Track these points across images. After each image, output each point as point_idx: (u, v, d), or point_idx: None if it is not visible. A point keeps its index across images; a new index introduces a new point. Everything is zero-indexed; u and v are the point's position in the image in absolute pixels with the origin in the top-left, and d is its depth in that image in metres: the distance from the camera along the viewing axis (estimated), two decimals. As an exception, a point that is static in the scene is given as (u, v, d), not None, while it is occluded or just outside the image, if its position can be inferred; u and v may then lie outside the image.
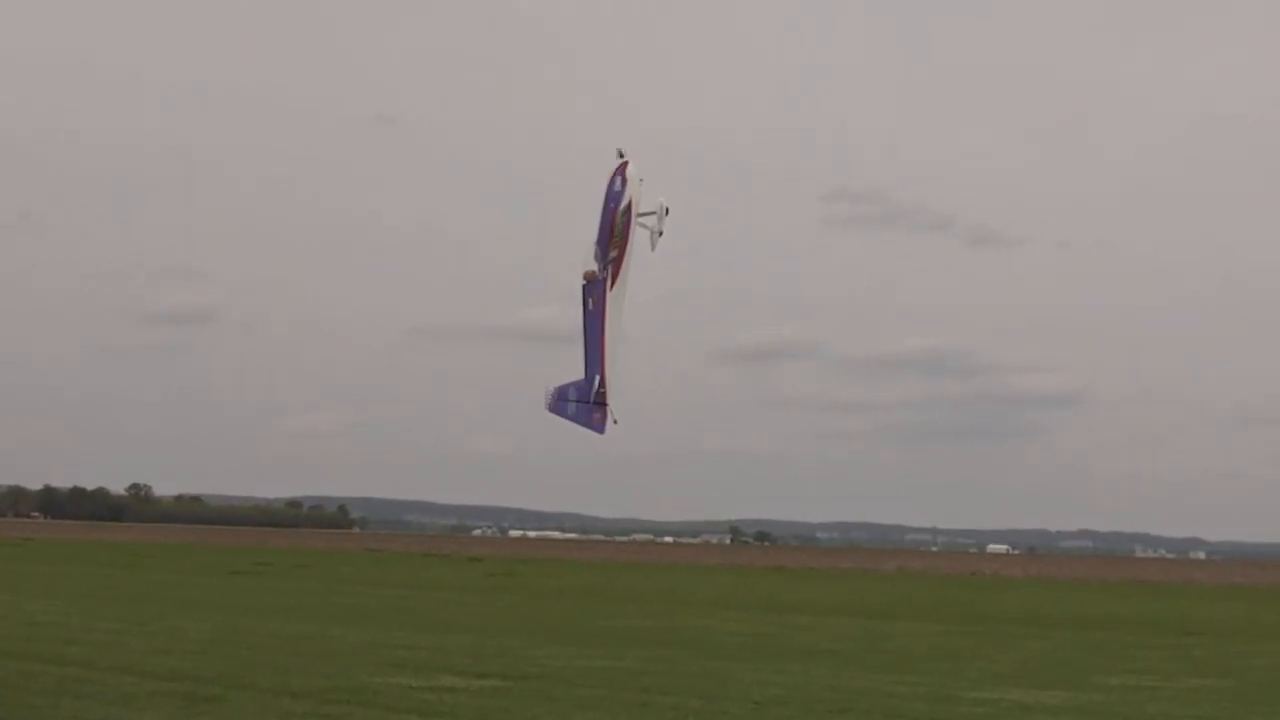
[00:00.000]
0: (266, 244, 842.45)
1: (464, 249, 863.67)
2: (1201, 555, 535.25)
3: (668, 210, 21.68)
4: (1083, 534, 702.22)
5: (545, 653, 41.03)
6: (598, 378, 21.80)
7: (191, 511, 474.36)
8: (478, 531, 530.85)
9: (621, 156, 22.15)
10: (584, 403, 21.94)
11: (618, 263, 21.68)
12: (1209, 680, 39.50)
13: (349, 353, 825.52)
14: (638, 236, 21.75)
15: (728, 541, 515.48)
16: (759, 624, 59.95)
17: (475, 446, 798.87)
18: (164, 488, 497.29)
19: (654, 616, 63.22)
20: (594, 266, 21.82)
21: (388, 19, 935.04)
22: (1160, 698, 34.06)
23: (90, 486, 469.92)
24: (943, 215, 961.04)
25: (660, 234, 21.69)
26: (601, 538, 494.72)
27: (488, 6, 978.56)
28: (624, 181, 21.75)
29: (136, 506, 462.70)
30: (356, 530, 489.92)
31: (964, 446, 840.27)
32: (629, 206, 21.68)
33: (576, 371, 22.10)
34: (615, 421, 21.77)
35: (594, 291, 21.84)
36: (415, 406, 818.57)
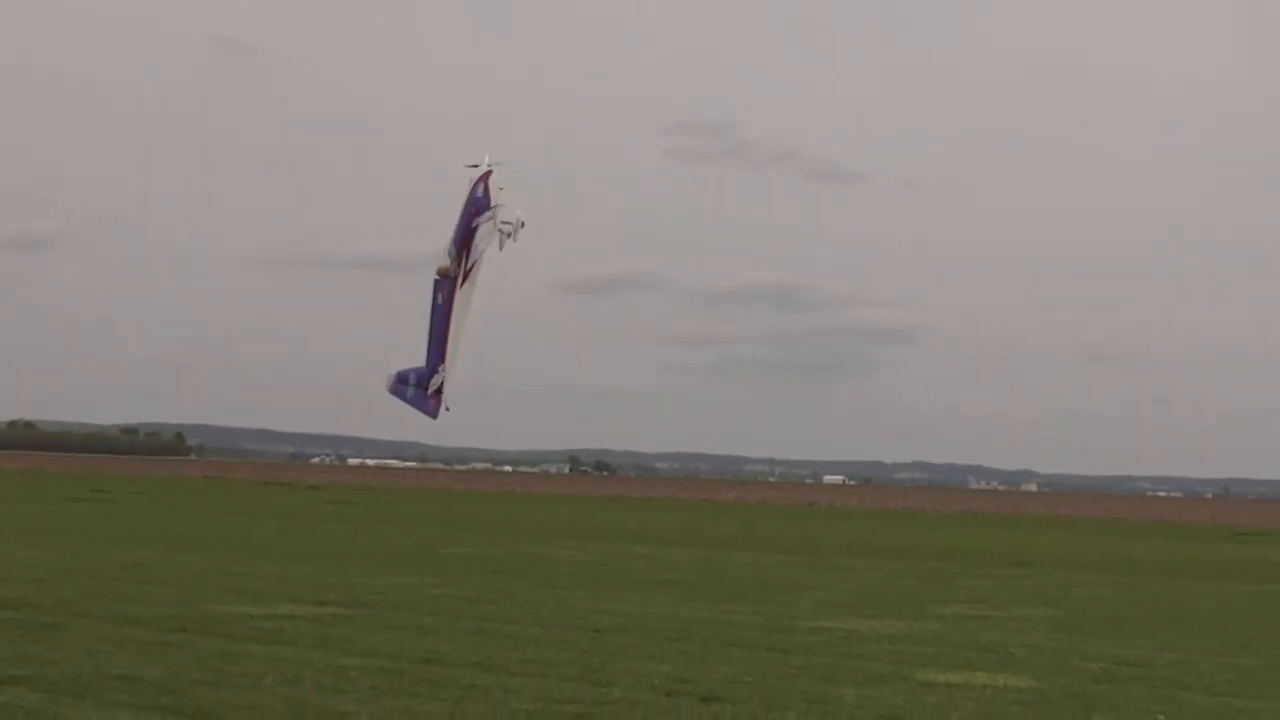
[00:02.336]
0: (107, 170, 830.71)
1: (308, 177, 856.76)
2: (1033, 487, 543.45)
3: (522, 224, 22.86)
4: (917, 465, 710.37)
5: (385, 581, 41.05)
6: (440, 368, 23.07)
7: (25, 437, 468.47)
8: (316, 460, 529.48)
9: (485, 165, 23.19)
10: (422, 389, 23.23)
11: (469, 265, 22.79)
12: (1039, 610, 40.19)
13: (188, 280, 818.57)
14: (493, 240, 22.90)
15: (567, 471, 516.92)
16: (597, 553, 60.22)
17: (314, 374, 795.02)
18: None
19: (493, 545, 63.32)
20: (448, 263, 22.84)
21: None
22: (992, 627, 34.63)
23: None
24: (785, 149, 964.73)
25: (513, 238, 22.88)
26: (441, 466, 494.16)
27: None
28: (486, 190, 22.89)
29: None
30: (194, 458, 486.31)
31: (803, 379, 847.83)
32: (486, 213, 22.83)
33: (409, 345, 23.30)
34: (448, 409, 23.13)
35: (444, 287, 22.93)
36: (254, 334, 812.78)
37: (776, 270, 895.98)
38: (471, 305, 23.03)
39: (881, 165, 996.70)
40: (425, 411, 23.26)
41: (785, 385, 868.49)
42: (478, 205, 22.92)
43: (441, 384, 23.06)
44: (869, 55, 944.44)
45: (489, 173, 23.12)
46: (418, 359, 23.18)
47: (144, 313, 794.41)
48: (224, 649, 25.71)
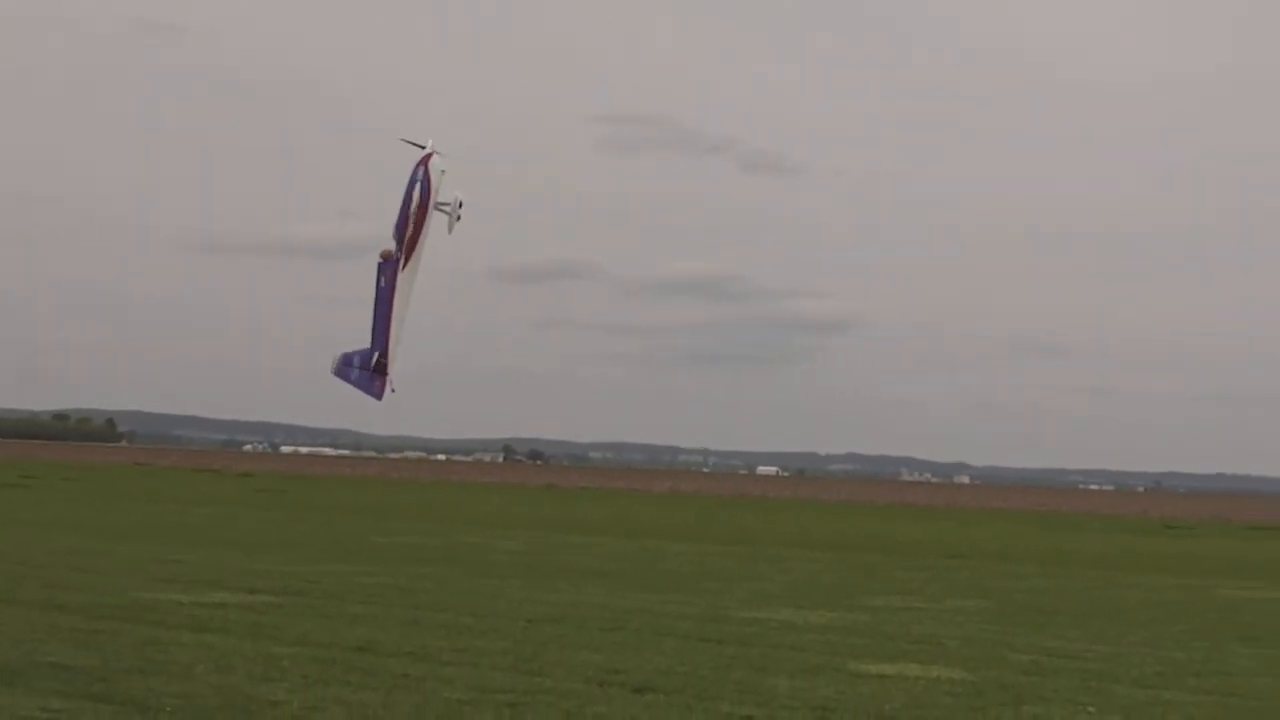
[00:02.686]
0: (37, 153, 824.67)
1: (235, 162, 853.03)
2: (966, 480, 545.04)
3: (461, 204, 23.28)
4: (851, 457, 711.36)
5: (317, 569, 40.95)
6: (381, 349, 23.49)
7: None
8: (249, 447, 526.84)
9: (426, 148, 23.53)
10: (366, 370, 23.59)
11: (411, 247, 23.19)
12: (971, 601, 40.37)
13: (120, 264, 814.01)
14: (436, 222, 23.34)
15: (501, 460, 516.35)
16: (531, 542, 60.23)
17: (246, 361, 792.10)
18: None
19: (426, 534, 63.27)
20: (391, 247, 23.29)
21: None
22: (925, 618, 34.75)
23: None
24: (721, 139, 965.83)
25: (458, 218, 23.29)
26: (374, 455, 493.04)
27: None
28: (426, 173, 23.22)
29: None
30: (125, 444, 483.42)
31: (737, 370, 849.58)
32: (428, 197, 23.21)
33: (353, 325, 23.59)
34: (394, 390, 23.51)
35: (387, 270, 23.31)
36: (186, 320, 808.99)
37: (711, 260, 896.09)
38: (414, 288, 23.35)
39: (816, 156, 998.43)
40: (370, 393, 23.58)
41: (719, 375, 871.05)
42: (420, 189, 23.20)
43: (386, 365, 23.39)
44: (804, 46, 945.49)
45: (429, 155, 23.36)
46: (356, 343, 23.41)
47: (74, 298, 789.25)
48: (156, 637, 25.59)
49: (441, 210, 23.19)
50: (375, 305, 23.39)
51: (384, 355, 23.38)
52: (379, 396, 23.49)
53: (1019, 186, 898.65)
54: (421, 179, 23.23)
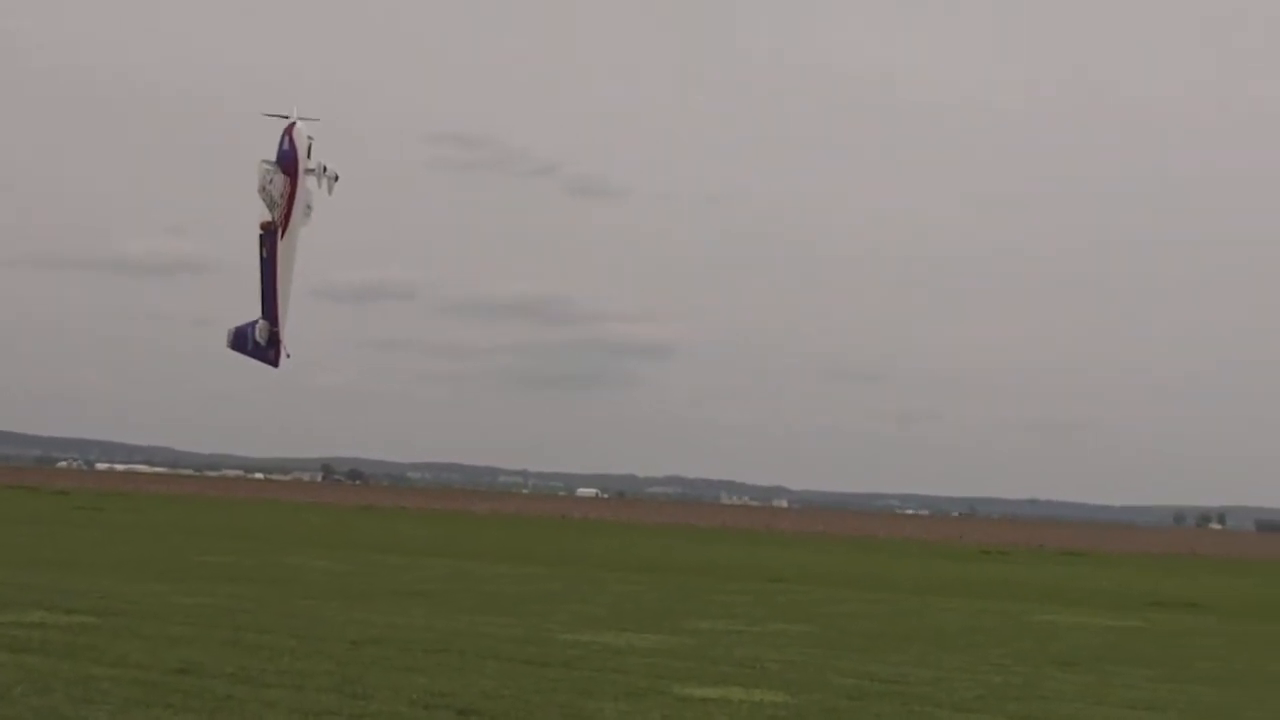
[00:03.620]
0: None
1: (47, 174, 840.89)
2: (784, 503, 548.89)
3: (337, 177, 23.86)
4: (671, 480, 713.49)
5: (136, 589, 40.44)
6: (271, 318, 24.08)
7: None
8: (64, 464, 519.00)
9: (289, 118, 23.92)
10: (258, 341, 24.16)
11: (285, 215, 23.58)
12: (794, 625, 40.66)
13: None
14: (312, 188, 23.83)
15: (320, 479, 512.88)
16: (351, 563, 59.86)
17: (60, 377, 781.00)
18: None
19: (245, 553, 62.67)
20: (270, 217, 23.71)
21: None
22: (748, 641, 34.94)
23: None
24: (547, 161, 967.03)
25: (336, 179, 23.86)
26: (191, 473, 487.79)
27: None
28: (292, 142, 23.64)
29: None
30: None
31: (558, 392, 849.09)
32: (294, 163, 23.62)
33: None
34: (289, 355, 24.15)
35: (269, 240, 23.76)
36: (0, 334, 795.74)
37: (534, 282, 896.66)
38: (296, 255, 23.89)
39: (641, 179, 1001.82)
40: (266, 361, 24.15)
41: (540, 397, 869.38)
42: (285, 158, 23.62)
43: (277, 335, 23.98)
44: (630, 68, 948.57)
45: (293, 124, 23.75)
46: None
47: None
48: (-30, 657, 25.15)
49: (311, 171, 23.61)
50: (261, 276, 23.86)
51: (274, 324, 23.93)
52: (275, 364, 24.08)
53: (837, 210, 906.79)
54: (287, 146, 23.62)
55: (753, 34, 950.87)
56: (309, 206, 23.76)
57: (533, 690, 24.41)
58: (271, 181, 23.45)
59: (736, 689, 25.93)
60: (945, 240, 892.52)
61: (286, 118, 23.81)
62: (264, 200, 23.54)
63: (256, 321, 24.08)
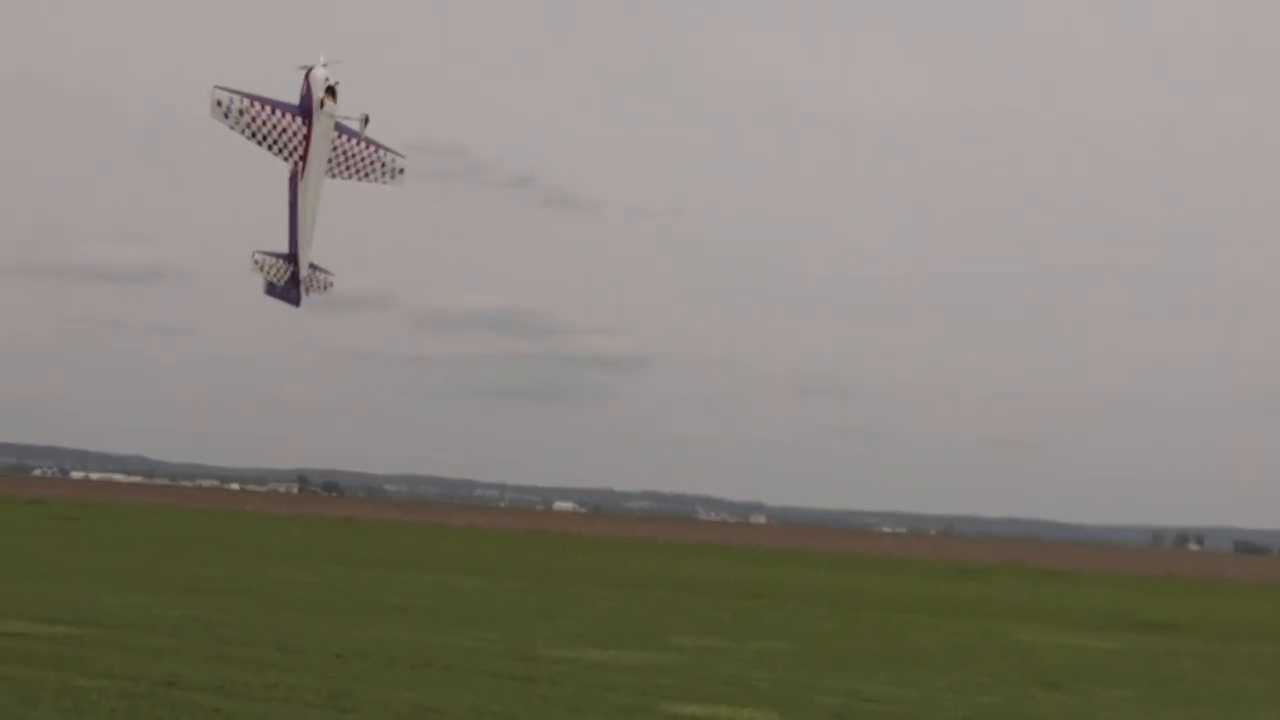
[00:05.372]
0: None
1: (18, 180, 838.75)
2: (762, 519, 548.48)
3: (367, 119, 25.11)
4: (647, 495, 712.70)
5: (117, 600, 40.32)
6: (293, 259, 25.19)
7: None
8: (38, 472, 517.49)
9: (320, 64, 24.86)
10: (282, 282, 25.14)
11: (305, 156, 24.37)
12: (778, 642, 40.57)
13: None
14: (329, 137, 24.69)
15: (295, 490, 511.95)
16: (331, 576, 59.70)
17: (35, 385, 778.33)
18: None
19: (225, 565, 62.48)
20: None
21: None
22: (733, 659, 34.86)
23: None
24: (521, 173, 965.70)
25: (366, 120, 25.08)
26: (166, 482, 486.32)
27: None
28: (309, 88, 24.49)
29: None
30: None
31: (535, 405, 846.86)
32: (309, 105, 24.49)
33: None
34: (309, 293, 25.22)
35: (292, 185, 24.75)
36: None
37: (510, 295, 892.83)
38: (317, 197, 24.72)
39: (614, 193, 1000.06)
40: (289, 300, 25.00)
41: (517, 410, 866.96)
42: (303, 104, 24.45)
43: (298, 275, 24.88)
44: (603, 83, 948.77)
45: (310, 69, 24.56)
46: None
47: None
48: (-45, 668, 25.03)
49: (335, 116, 24.48)
50: (290, 217, 24.75)
51: (296, 265, 24.76)
52: (297, 304, 24.94)
53: (812, 228, 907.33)
54: (305, 95, 24.42)
55: (720, 54, 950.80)
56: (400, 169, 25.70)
57: (520, 707, 24.34)
58: (273, 126, 24.04)
59: (725, 707, 25.88)
60: (917, 262, 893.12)
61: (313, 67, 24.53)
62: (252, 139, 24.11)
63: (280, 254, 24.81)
